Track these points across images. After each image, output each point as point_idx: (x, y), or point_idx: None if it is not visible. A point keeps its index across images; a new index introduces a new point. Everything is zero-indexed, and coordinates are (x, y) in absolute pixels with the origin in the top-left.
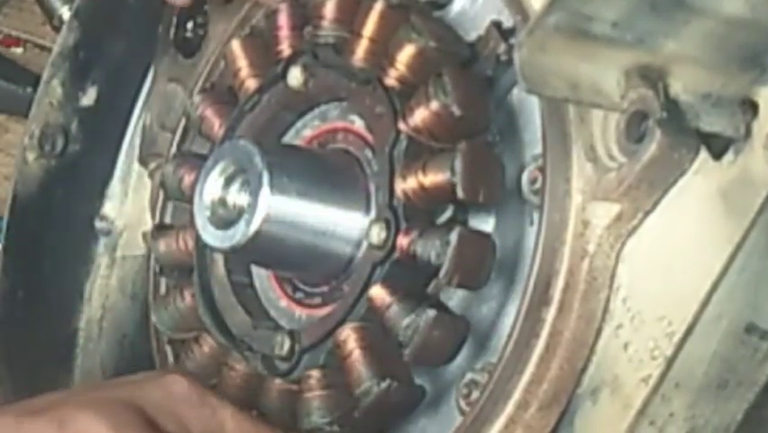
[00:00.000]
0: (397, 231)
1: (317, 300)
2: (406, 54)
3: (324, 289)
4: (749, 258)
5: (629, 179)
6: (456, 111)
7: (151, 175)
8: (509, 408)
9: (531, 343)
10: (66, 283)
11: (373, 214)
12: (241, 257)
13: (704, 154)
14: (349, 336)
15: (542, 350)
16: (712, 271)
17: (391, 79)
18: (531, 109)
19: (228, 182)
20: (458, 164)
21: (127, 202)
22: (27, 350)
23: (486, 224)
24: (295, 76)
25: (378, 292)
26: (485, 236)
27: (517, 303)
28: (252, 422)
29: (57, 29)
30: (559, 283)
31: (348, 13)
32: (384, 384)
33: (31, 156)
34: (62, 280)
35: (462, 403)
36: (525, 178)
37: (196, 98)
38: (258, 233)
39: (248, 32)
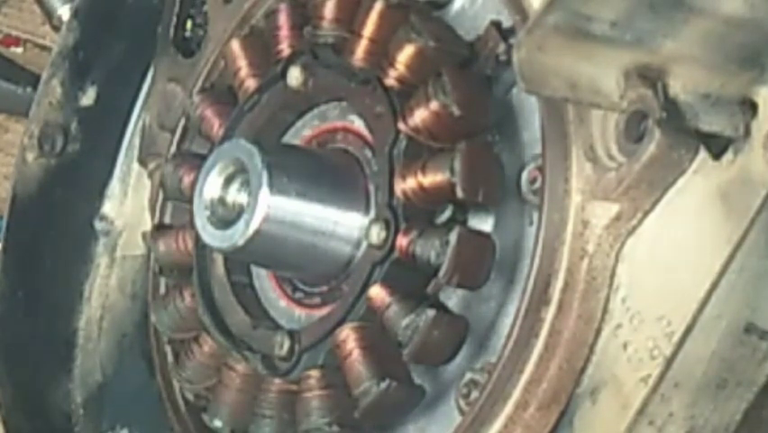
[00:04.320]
0: (397, 231)
1: (317, 300)
2: (405, 54)
3: (324, 289)
4: (748, 258)
5: (628, 179)
6: (455, 111)
7: (151, 175)
8: (509, 407)
9: (530, 343)
10: (65, 283)
11: (373, 214)
12: (240, 257)
13: (703, 154)
14: (348, 336)
15: (541, 350)
16: (711, 271)
17: (391, 79)
18: (530, 109)
19: (227, 182)
20: (457, 164)
21: (127, 202)
22: (27, 350)
23: (485, 223)
24: (294, 76)
25: (377, 292)
26: (484, 236)
27: (517, 303)
28: None
29: (56, 29)
30: (558, 283)
31: (348, 13)
32: (383, 384)
33: (30, 156)
34: (62, 280)
35: (462, 403)
36: (524, 177)
37: (196, 98)
38: (257, 232)
39: (247, 32)
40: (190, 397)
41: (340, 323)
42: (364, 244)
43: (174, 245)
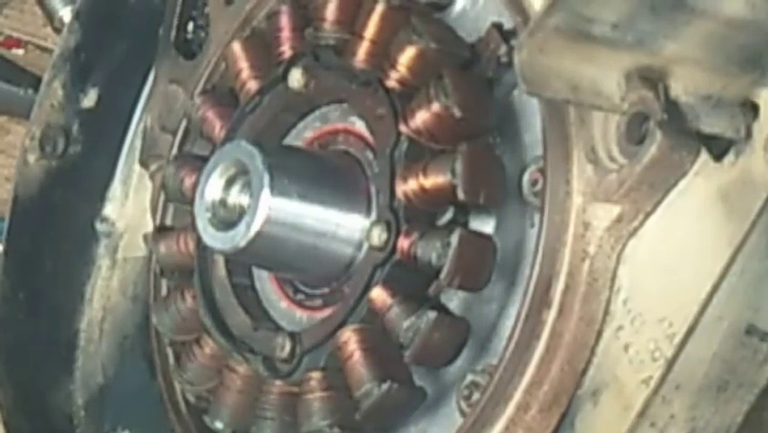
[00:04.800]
0: (398, 233)
1: (318, 302)
2: (407, 56)
3: (325, 290)
4: (749, 260)
5: (630, 181)
6: (457, 113)
7: (152, 177)
8: (510, 409)
9: (531, 344)
10: (67, 285)
11: (374, 215)
12: (241, 259)
13: (704, 156)
14: (350, 338)
15: (542, 352)
16: (713, 273)
17: (392, 81)
18: (532, 111)
19: (229, 184)
20: (459, 166)
21: (128, 204)
22: (28, 351)
23: (487, 225)
24: (296, 77)
25: (378, 294)
26: (486, 238)
27: (518, 305)
28: None
29: (58, 30)
30: (559, 285)
31: (349, 14)
32: (385, 386)
33: (32, 157)
34: (63, 282)
35: (463, 405)
36: (525, 179)
37: (197, 100)
38: (258, 234)
39: (249, 34)
40: (191, 398)
41: (341, 325)
42: (365, 246)
43: (175, 247)
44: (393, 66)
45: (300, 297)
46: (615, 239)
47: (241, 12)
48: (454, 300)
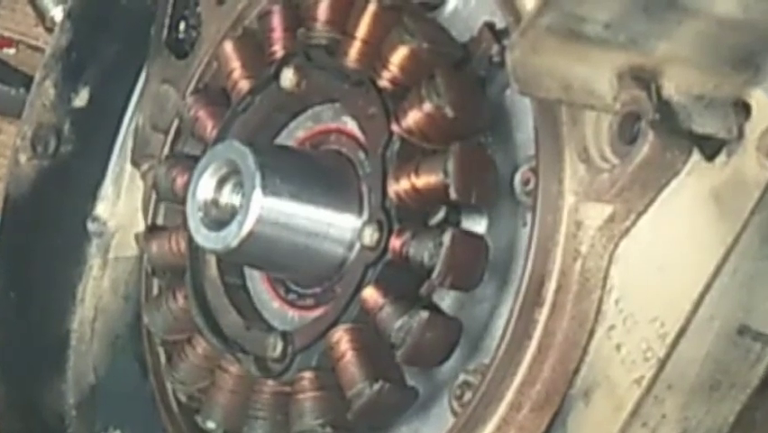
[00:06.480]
0: (390, 232)
1: (310, 302)
2: (399, 55)
3: (317, 290)
4: (742, 259)
5: (622, 181)
6: (449, 112)
7: (144, 176)
8: (502, 409)
9: (524, 344)
10: (58, 284)
11: (366, 215)
12: (233, 258)
13: (697, 156)
14: (341, 338)
15: (534, 351)
16: (705, 273)
17: (384, 81)
18: (524, 110)
19: (221, 183)
20: (451, 165)
21: (119, 203)
22: (19, 351)
23: (479, 225)
24: (288, 77)
25: (370, 294)
26: (478, 238)
27: (510, 304)
28: None
29: (49, 30)
30: (551, 284)
31: (341, 14)
32: (377, 386)
33: (23, 157)
34: (55, 282)
35: (455, 404)
36: (517, 179)
37: (189, 99)
38: (250, 234)
39: (241, 34)
40: (183, 398)
41: (333, 324)
42: (357, 246)
43: (167, 247)
44: (385, 65)
45: (292, 296)
46: (607, 239)
47: (232, 11)
48: (446, 300)
